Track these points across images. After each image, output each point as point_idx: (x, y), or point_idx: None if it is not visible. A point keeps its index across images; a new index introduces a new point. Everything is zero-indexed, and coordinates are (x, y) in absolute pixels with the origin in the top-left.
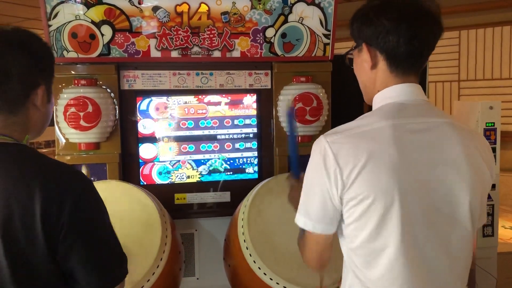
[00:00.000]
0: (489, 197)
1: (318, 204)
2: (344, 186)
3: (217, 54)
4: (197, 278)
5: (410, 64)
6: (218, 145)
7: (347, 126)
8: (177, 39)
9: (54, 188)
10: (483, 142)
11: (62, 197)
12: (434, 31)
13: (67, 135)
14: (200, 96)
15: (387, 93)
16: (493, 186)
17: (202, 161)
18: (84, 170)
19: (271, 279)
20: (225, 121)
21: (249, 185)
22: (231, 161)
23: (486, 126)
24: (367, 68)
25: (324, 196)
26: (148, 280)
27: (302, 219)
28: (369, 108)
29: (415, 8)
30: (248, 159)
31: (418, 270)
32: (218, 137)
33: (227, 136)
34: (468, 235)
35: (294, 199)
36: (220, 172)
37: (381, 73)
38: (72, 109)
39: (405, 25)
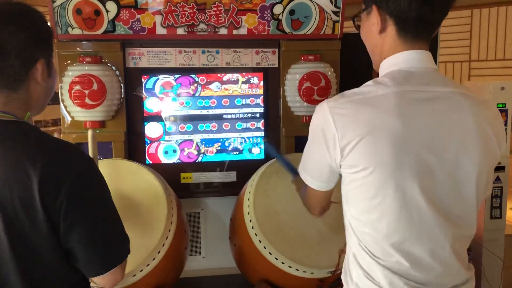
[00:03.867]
0: (497, 178)
1: (315, 164)
2: (342, 154)
3: (223, 31)
4: (203, 257)
5: (420, 29)
6: (224, 124)
7: (352, 91)
8: (183, 16)
9: (53, 167)
10: (494, 112)
11: (60, 176)
12: None
13: (73, 113)
14: (206, 75)
15: (394, 60)
16: (503, 168)
17: (208, 140)
18: (90, 134)
19: (276, 258)
20: (231, 100)
21: (255, 165)
22: (237, 141)
23: (498, 107)
24: (375, 32)
25: (321, 159)
26: (154, 259)
27: (303, 174)
28: None
29: None
30: (255, 139)
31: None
32: (225, 116)
33: (233, 116)
34: (472, 206)
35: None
36: (226, 151)
37: (389, 38)
38: (77, 87)
39: None
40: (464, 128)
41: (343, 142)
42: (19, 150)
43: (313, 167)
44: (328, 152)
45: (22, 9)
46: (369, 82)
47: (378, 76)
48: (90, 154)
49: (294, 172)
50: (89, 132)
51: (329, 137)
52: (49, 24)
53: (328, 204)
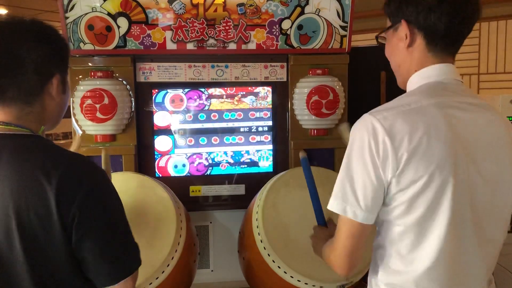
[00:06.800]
0: None
1: (362, 188)
2: (398, 166)
3: (232, 46)
4: (212, 270)
5: (448, 42)
6: (233, 138)
7: (392, 104)
8: (193, 31)
9: (68, 179)
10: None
11: (75, 187)
12: (474, 10)
13: (84, 127)
14: (219, 89)
15: (426, 73)
16: None
17: (217, 153)
18: (103, 154)
19: (285, 272)
20: (240, 114)
21: (263, 178)
22: (246, 154)
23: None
24: (403, 47)
25: (371, 179)
26: (163, 272)
27: (341, 204)
28: (387, 100)
29: None
30: (263, 152)
31: (456, 250)
32: (234, 130)
33: (242, 129)
34: (508, 218)
35: (318, 248)
36: (235, 164)
37: (417, 52)
38: (89, 101)
39: (448, 3)
40: (500, 139)
41: (400, 152)
42: (34, 163)
43: (360, 191)
44: (378, 167)
45: (41, 25)
46: (409, 93)
47: (386, 89)
48: None
49: (322, 220)
50: (103, 153)
51: (381, 150)
52: (66, 42)
53: (359, 259)
